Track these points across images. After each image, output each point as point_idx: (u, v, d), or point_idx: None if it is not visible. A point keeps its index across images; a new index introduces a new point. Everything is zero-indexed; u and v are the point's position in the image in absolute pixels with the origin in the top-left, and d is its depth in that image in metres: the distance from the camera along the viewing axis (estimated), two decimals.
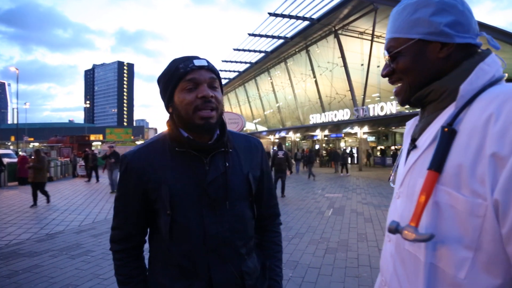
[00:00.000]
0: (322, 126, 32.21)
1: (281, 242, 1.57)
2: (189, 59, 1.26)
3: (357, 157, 29.04)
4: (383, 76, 1.01)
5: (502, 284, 0.72)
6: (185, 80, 1.23)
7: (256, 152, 1.46)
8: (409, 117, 23.21)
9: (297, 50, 37.55)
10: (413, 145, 0.94)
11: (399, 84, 0.98)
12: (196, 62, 1.25)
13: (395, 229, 0.82)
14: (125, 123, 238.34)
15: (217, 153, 1.31)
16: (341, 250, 5.95)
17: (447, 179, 0.77)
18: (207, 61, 1.28)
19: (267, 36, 32.60)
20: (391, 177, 1.17)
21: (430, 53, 0.90)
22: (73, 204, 11.20)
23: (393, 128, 32.10)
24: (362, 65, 31.59)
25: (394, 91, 1.01)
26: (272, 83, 46.09)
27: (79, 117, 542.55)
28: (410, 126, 1.07)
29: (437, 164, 0.78)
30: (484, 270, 0.73)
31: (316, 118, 33.54)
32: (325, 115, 31.80)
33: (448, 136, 0.78)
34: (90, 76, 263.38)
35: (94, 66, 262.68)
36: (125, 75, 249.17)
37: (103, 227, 7.90)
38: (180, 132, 1.28)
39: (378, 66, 29.97)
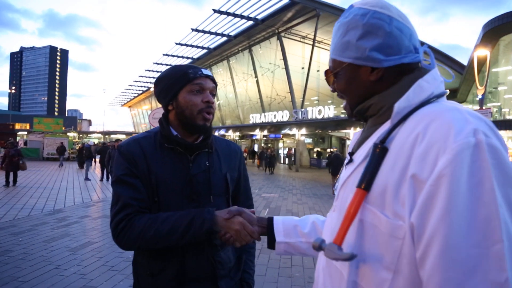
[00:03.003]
0: (262, 126, 32.58)
1: None
2: (197, 68, 1.45)
3: (294, 158, 29.67)
4: (333, 91, 1.01)
5: None
6: (194, 83, 1.40)
7: (235, 156, 1.63)
8: (345, 121, 24.33)
9: (240, 49, 37.67)
10: (350, 159, 0.92)
11: (343, 102, 0.99)
12: (204, 71, 1.45)
13: (318, 246, 0.80)
14: (56, 113, 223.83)
15: (201, 153, 1.47)
16: None
17: (373, 198, 0.76)
18: (210, 72, 1.49)
19: (210, 33, 32.35)
20: (336, 184, 1.16)
21: (362, 76, 0.88)
22: None
23: (330, 131, 33.29)
24: (302, 68, 32.47)
25: (343, 106, 1.01)
26: None
27: (2, 103, 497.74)
28: (354, 138, 1.05)
29: (366, 182, 0.76)
30: None
31: (256, 118, 33.84)
32: (265, 115, 32.19)
33: (378, 154, 0.76)
34: (17, 59, 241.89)
35: (22, 49, 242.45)
36: (58, 61, 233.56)
37: (25, 224, 7.29)
38: (170, 131, 1.44)
39: (318, 71, 30.92)
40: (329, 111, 24.34)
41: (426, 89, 0.81)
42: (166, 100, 1.45)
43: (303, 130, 30.23)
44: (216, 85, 1.51)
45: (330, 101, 36.96)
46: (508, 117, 22.46)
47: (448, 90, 0.85)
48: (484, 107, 19.84)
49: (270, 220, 1.26)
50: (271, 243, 1.23)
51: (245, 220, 1.25)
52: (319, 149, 36.73)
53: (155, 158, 1.40)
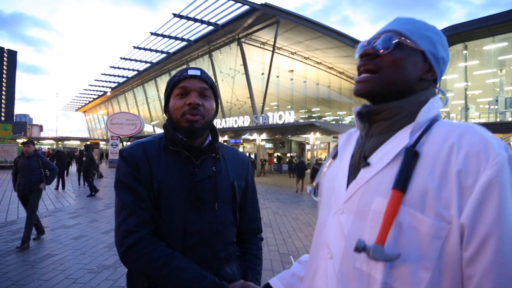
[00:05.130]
0: (222, 131, 32.48)
1: (261, 256, 1.63)
2: (184, 69, 1.40)
3: (255, 163, 29.79)
4: (364, 53, 0.96)
5: None
6: (178, 87, 1.37)
7: (243, 164, 1.57)
8: (305, 126, 24.76)
9: (200, 54, 37.45)
10: (365, 163, 0.92)
11: (368, 75, 0.94)
12: (190, 72, 1.39)
13: (363, 248, 0.79)
14: (2, 118, 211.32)
15: (207, 158, 1.41)
16: None
17: (411, 200, 0.79)
18: (202, 71, 1.42)
19: (170, 37, 31.94)
20: (310, 188, 1.16)
21: (418, 68, 0.93)
22: None
23: (290, 136, 33.74)
24: (262, 74, 32.78)
25: (361, 78, 0.96)
26: None
27: None
28: (345, 140, 1.08)
29: (402, 184, 0.79)
30: None
31: (216, 123, 33.52)
32: (225, 121, 32.13)
33: (412, 157, 0.81)
34: None
35: None
36: (4, 63, 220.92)
37: None
38: (175, 134, 1.37)
39: (277, 76, 31.34)
40: (290, 116, 24.68)
41: (436, 108, 0.92)
42: (165, 106, 1.44)
43: (264, 135, 30.44)
44: (211, 84, 1.43)
45: (289, 107, 37.56)
46: (454, 122, 23.84)
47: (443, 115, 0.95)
48: None
49: (267, 286, 1.23)
50: None
51: None
52: (279, 154, 37.13)
53: (158, 161, 1.35)
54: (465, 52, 24.28)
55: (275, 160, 35.55)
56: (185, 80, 1.37)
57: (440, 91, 1.01)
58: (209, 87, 1.41)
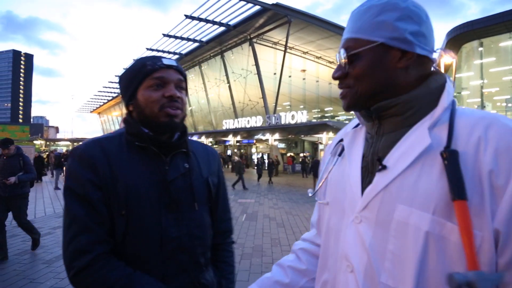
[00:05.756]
0: (235, 131, 32.56)
1: (234, 263, 1.49)
2: (157, 58, 1.24)
3: (268, 163, 29.79)
4: (334, 78, 0.92)
5: None
6: (152, 77, 1.20)
7: (214, 160, 1.44)
8: (318, 126, 24.65)
9: (212, 54, 37.61)
10: (381, 166, 0.83)
11: (344, 90, 0.91)
12: (165, 61, 1.24)
13: (466, 284, 0.64)
14: (20, 120, 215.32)
15: (177, 154, 1.27)
16: (256, 255, 5.99)
17: (438, 208, 0.72)
18: (176, 62, 1.28)
19: (182, 38, 32.15)
20: (313, 191, 1.07)
21: (390, 61, 0.84)
22: None
23: (303, 136, 33.64)
24: (274, 74, 32.75)
25: (341, 94, 0.93)
26: None
27: None
28: (351, 138, 0.99)
29: (462, 191, 0.69)
30: None
31: (229, 124, 33.79)
32: (238, 121, 32.19)
33: (455, 158, 0.72)
34: None
35: None
36: (22, 66, 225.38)
37: None
38: (140, 128, 1.21)
39: (289, 76, 31.27)
40: (302, 116, 24.64)
41: (451, 95, 0.83)
42: (126, 99, 1.26)
43: (276, 135, 30.42)
44: (185, 76, 1.29)
45: (302, 106, 37.45)
46: (475, 110, 23.54)
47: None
48: None
49: None
50: None
51: None
52: (292, 154, 37.04)
53: (122, 161, 1.16)
54: (480, 49, 23.90)
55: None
56: (160, 70, 1.21)
57: (435, 69, 0.90)
58: (184, 79, 1.28)
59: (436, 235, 0.72)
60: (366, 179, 0.87)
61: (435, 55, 0.89)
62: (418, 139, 0.79)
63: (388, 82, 0.85)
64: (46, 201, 12.25)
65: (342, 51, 0.88)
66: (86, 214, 1.07)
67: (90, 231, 1.07)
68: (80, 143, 1.17)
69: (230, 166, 32.34)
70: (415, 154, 0.77)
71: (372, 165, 0.88)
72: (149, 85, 1.20)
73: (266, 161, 23.16)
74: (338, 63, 0.91)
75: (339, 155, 1.01)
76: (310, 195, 1.07)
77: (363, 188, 0.86)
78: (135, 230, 1.13)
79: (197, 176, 1.30)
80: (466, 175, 0.70)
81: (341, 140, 1.03)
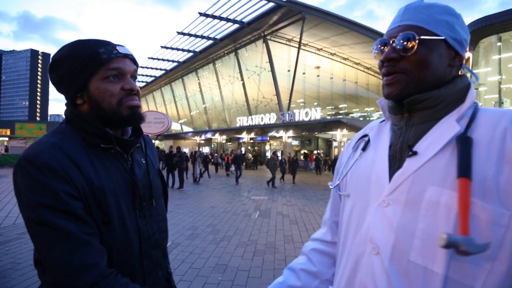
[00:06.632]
0: (249, 129, 32.59)
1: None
2: (110, 44, 1.13)
3: (281, 160, 29.80)
4: (386, 59, 0.92)
5: None
6: (108, 68, 1.09)
7: (155, 149, 1.41)
8: (332, 123, 24.51)
9: (226, 52, 37.68)
10: (411, 152, 0.88)
11: (395, 75, 0.91)
12: (121, 50, 1.13)
13: (454, 243, 0.71)
14: (37, 118, 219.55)
15: (134, 150, 1.23)
16: (269, 252, 5.99)
17: (471, 188, 0.77)
18: (129, 50, 1.19)
19: (196, 36, 32.29)
20: (334, 183, 1.11)
21: (445, 58, 0.91)
22: None
23: (317, 133, 33.50)
24: (288, 71, 32.65)
25: (388, 79, 0.93)
26: (199, 83, 45.72)
27: None
28: (376, 131, 1.03)
29: (467, 171, 0.77)
30: (499, 280, 0.74)
31: (243, 121, 33.85)
32: (251, 118, 32.21)
33: (469, 144, 0.80)
34: None
35: (1, 53, 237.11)
36: (39, 65, 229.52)
37: (11, 233, 7.12)
38: (106, 130, 1.11)
39: (303, 73, 31.15)
40: (316, 113, 24.51)
41: (473, 96, 0.91)
42: (72, 91, 1.11)
43: (290, 132, 30.35)
44: (137, 66, 1.20)
45: (316, 103, 37.26)
46: (495, 108, 23.14)
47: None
48: None
49: None
50: None
51: None
52: (306, 151, 36.91)
53: (89, 165, 1.05)
54: (499, 44, 23.35)
55: (301, 157, 35.27)
56: (117, 60, 1.11)
57: (467, 69, 1.00)
58: (136, 69, 1.20)
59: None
60: (394, 165, 0.92)
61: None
62: (447, 128, 0.85)
63: (437, 76, 0.91)
64: None
65: (412, 33, 0.89)
66: (78, 228, 0.96)
67: (88, 244, 0.97)
68: (27, 148, 1.03)
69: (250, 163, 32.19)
70: (445, 140, 0.84)
71: (400, 153, 0.92)
72: (104, 76, 1.09)
73: (286, 158, 22.74)
74: (392, 44, 0.92)
75: (363, 149, 1.04)
76: (331, 187, 1.12)
77: (391, 175, 0.90)
78: (119, 235, 1.07)
79: (152, 169, 1.27)
80: (491, 158, 0.78)
81: (364, 136, 1.08)
